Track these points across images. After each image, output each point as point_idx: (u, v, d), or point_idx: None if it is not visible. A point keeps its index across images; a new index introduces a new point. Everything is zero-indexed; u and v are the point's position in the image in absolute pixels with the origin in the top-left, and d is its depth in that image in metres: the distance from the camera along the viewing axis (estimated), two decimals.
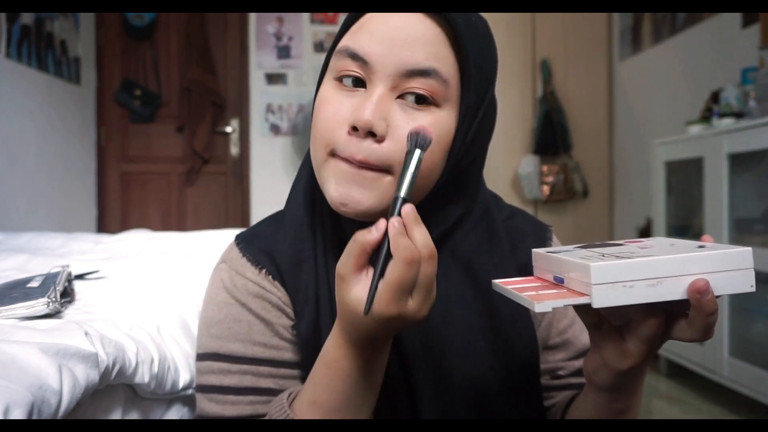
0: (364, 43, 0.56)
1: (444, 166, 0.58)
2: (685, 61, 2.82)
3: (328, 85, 0.59)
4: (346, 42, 0.58)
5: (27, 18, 2.77)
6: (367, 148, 0.55)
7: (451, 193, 0.62)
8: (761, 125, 1.90)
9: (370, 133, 0.55)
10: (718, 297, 0.45)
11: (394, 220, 0.48)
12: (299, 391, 0.58)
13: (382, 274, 0.47)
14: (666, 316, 0.49)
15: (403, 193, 0.50)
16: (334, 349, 0.53)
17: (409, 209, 0.48)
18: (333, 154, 0.57)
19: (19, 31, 2.70)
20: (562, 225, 3.43)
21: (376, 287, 0.47)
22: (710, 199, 2.14)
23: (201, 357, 0.64)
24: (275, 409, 0.57)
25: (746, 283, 0.46)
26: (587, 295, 0.45)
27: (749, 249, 0.46)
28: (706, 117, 2.41)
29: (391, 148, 0.55)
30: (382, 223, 0.48)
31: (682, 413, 2.10)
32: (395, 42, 0.55)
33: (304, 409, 0.55)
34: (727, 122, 2.17)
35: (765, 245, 1.95)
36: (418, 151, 0.52)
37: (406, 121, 0.55)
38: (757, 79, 2.10)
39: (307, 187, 0.66)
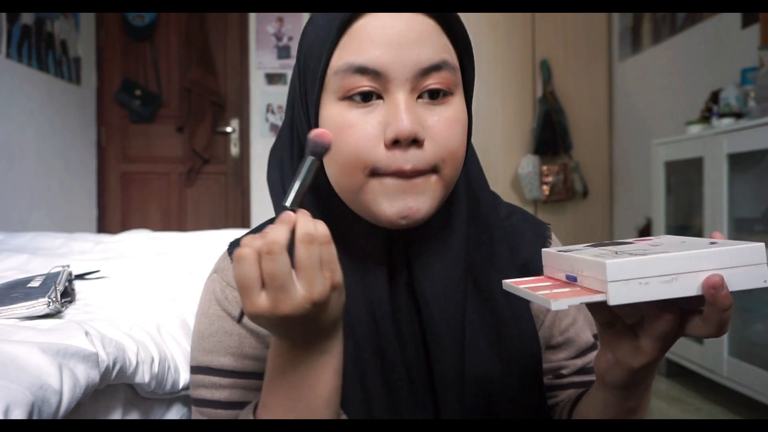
0: (370, 54, 0.54)
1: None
2: (685, 61, 2.82)
3: (336, 107, 0.56)
4: (344, 59, 0.55)
5: (27, 18, 2.77)
6: (413, 157, 0.55)
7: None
8: (761, 125, 1.90)
9: (413, 141, 0.55)
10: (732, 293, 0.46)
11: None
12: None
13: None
14: (679, 312, 0.48)
15: (288, 202, 0.48)
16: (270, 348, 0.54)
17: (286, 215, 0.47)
18: (374, 173, 0.56)
19: (19, 32, 2.70)
20: (562, 225, 3.43)
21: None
22: (710, 199, 2.14)
23: (194, 370, 0.64)
24: (243, 415, 0.58)
25: (760, 279, 0.46)
26: (602, 292, 0.45)
27: (762, 244, 0.46)
28: (706, 117, 2.41)
29: (433, 148, 0.55)
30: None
31: (682, 413, 2.10)
32: (403, 45, 0.54)
33: (259, 413, 0.56)
34: (727, 122, 2.17)
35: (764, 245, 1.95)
36: (309, 158, 0.50)
37: (435, 118, 0.56)
38: (756, 79, 2.10)
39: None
